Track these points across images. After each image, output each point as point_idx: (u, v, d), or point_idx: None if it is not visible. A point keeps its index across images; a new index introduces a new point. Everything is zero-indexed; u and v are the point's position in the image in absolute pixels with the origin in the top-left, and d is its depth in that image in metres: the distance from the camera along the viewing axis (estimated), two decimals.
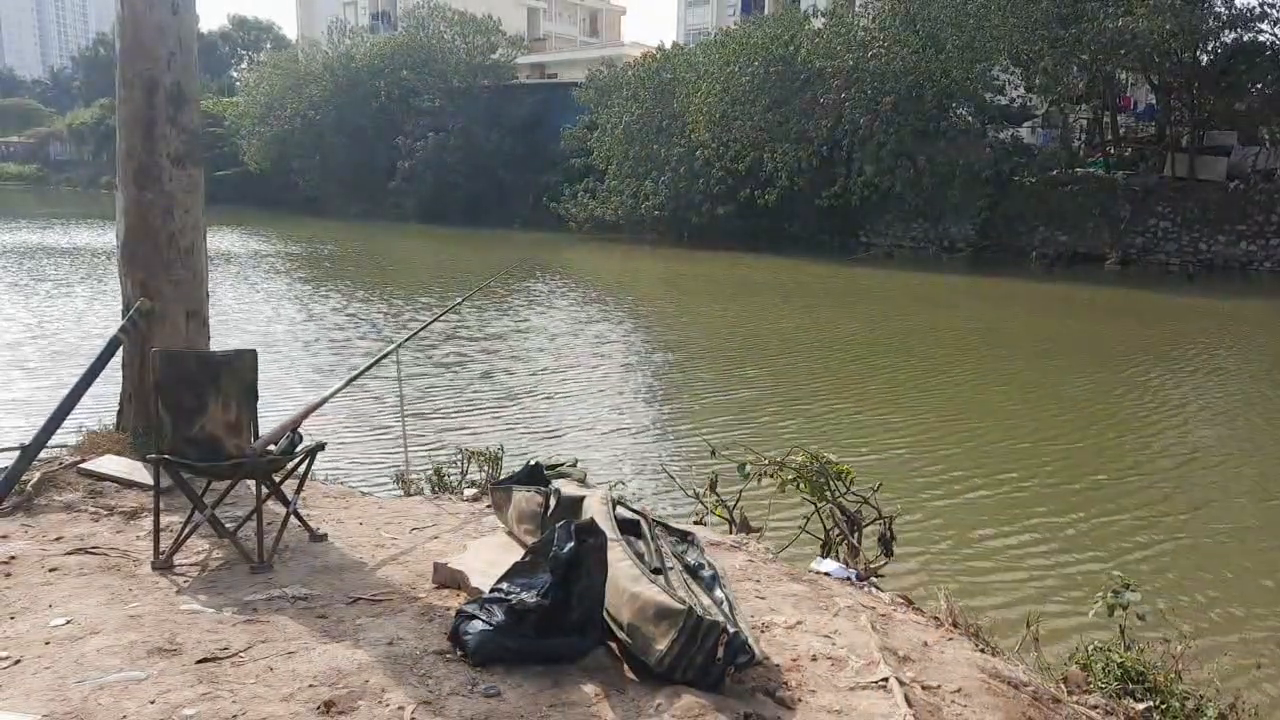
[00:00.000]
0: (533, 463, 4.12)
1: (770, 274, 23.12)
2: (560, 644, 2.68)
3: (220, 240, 26.41)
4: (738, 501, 4.58)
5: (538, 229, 33.48)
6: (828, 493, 4.37)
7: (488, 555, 3.40)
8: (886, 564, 4.26)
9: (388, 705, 2.44)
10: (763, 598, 3.39)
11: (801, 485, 4.41)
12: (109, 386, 4.80)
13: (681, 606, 2.58)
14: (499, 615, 2.68)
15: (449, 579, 3.32)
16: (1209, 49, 26.59)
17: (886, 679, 2.73)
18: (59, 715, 2.35)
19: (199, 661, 2.65)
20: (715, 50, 30.13)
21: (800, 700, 2.62)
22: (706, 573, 3.08)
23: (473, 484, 4.98)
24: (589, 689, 2.56)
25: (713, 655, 2.55)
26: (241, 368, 3.56)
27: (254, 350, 3.68)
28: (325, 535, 3.82)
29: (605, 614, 2.75)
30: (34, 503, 4.01)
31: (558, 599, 2.65)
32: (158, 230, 4.55)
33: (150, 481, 3.73)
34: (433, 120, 37.93)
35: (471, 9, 42.19)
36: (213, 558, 3.54)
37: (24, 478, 4.09)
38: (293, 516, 3.66)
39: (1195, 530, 6.78)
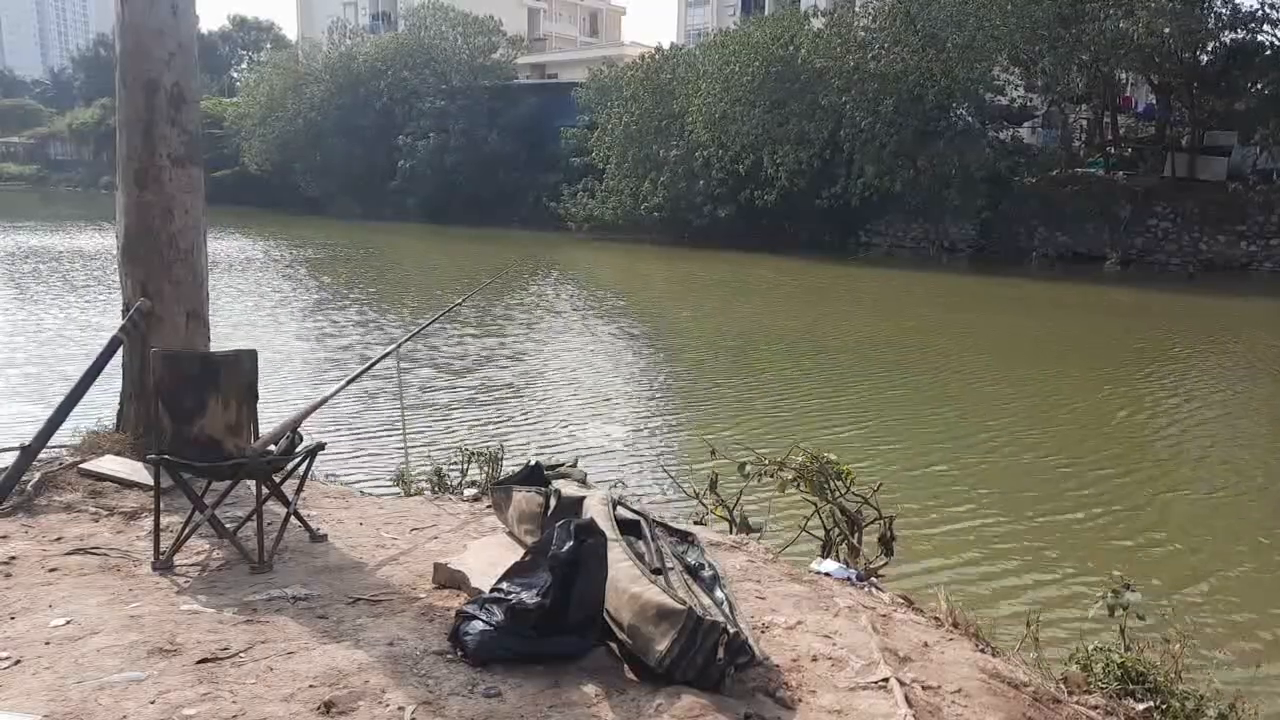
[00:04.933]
0: (533, 463, 4.12)
1: (770, 274, 23.12)
2: (560, 644, 2.68)
3: (227, 243, 26.37)
4: (738, 501, 4.58)
5: (538, 229, 33.48)
6: (828, 493, 4.36)
7: (488, 555, 3.40)
8: (887, 564, 4.25)
9: (388, 705, 2.44)
10: (763, 598, 3.38)
11: (802, 485, 4.41)
12: (109, 386, 4.80)
13: (682, 607, 2.58)
14: (499, 615, 2.68)
15: (449, 579, 3.32)
16: (1209, 49, 26.59)
17: (887, 679, 2.73)
18: (59, 715, 2.35)
19: (199, 662, 2.65)
20: (715, 50, 30.07)
21: (800, 700, 2.62)
22: (707, 573, 3.08)
23: (473, 484, 4.98)
24: (589, 689, 2.55)
25: (713, 655, 2.55)
26: (241, 368, 3.56)
27: (254, 350, 3.68)
28: (325, 535, 3.82)
29: (605, 614, 2.75)
30: (34, 503, 4.01)
31: (558, 599, 2.65)
32: (158, 231, 4.54)
33: (150, 482, 3.73)
34: (433, 120, 37.91)
35: (472, 9, 42.14)
36: (213, 558, 3.54)
37: (24, 478, 4.09)
38: (293, 517, 3.66)
39: (1196, 530, 6.78)
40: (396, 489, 5.33)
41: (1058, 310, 18.39)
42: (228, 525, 3.61)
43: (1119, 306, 19.30)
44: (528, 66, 47.85)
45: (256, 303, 16.19)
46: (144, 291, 4.55)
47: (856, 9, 28.95)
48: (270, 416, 4.00)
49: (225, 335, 11.66)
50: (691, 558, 3.19)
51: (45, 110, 73.27)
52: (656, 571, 2.93)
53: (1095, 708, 2.99)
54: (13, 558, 3.44)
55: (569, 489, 3.61)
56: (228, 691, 2.48)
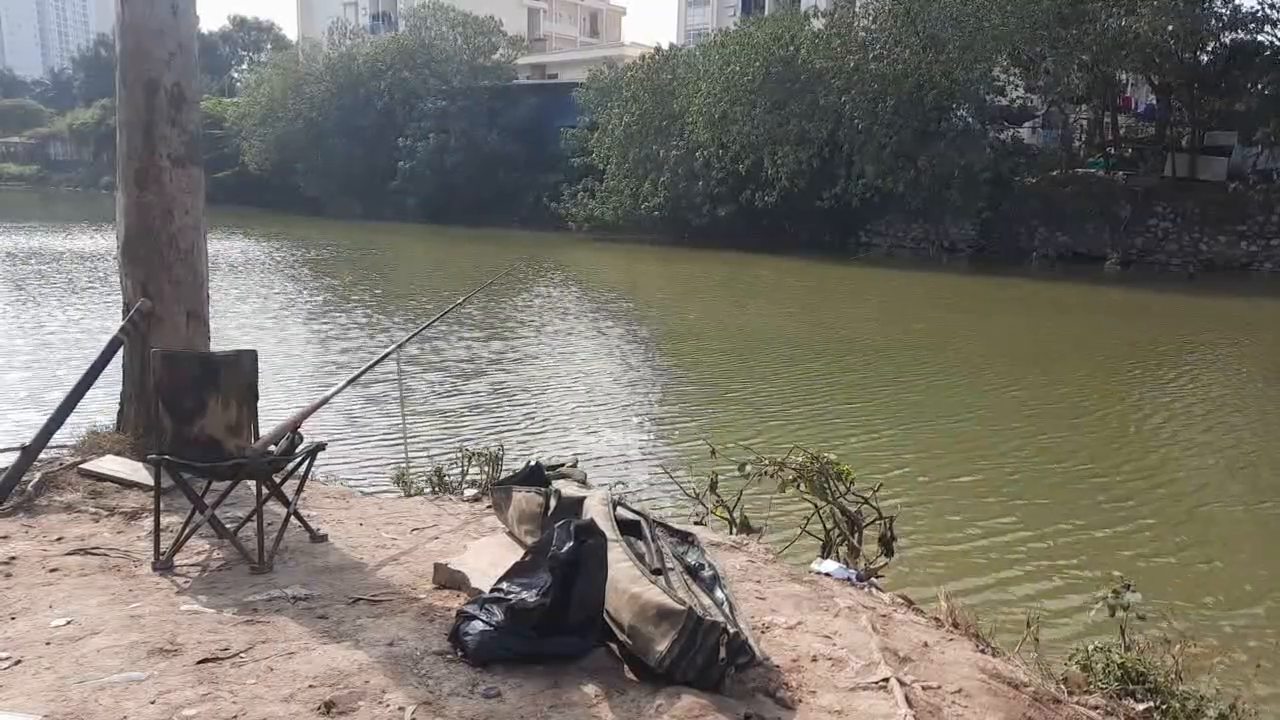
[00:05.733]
0: (533, 463, 4.12)
1: (773, 275, 23.12)
2: (561, 644, 2.68)
3: (231, 244, 26.32)
4: (738, 502, 4.58)
5: (538, 229, 33.48)
6: (828, 493, 4.36)
7: (488, 556, 3.40)
8: (887, 564, 4.25)
9: (388, 706, 2.44)
10: (763, 598, 3.39)
11: (802, 485, 4.41)
12: (109, 387, 4.80)
13: (682, 607, 2.58)
14: (499, 615, 2.68)
15: (449, 580, 3.32)
16: (1209, 49, 26.60)
17: (887, 679, 2.73)
18: (59, 715, 2.35)
19: (199, 662, 2.65)
20: (715, 51, 30.07)
21: (801, 701, 2.62)
22: (707, 573, 3.07)
23: (473, 484, 4.98)
24: (589, 689, 2.55)
25: (713, 656, 2.55)
26: (241, 368, 3.56)
27: (254, 350, 3.68)
28: (325, 536, 3.82)
29: (606, 615, 2.75)
30: (34, 503, 4.01)
31: (558, 599, 2.65)
32: (158, 231, 4.54)
33: (151, 482, 3.73)
34: (434, 121, 37.93)
35: (472, 9, 42.15)
36: (213, 558, 3.54)
37: (25, 478, 4.09)
38: (293, 517, 3.66)
39: (1196, 530, 6.78)
40: (397, 489, 5.33)
41: (1058, 311, 18.37)
42: (228, 525, 3.61)
43: (1126, 308, 19.25)
44: (528, 67, 47.86)
45: (262, 305, 16.17)
46: (144, 292, 4.55)
47: (857, 9, 28.93)
48: (274, 418, 3.99)
49: (231, 338, 11.66)
50: (691, 558, 3.19)
51: (45, 110, 73.26)
52: (657, 572, 2.93)
53: (1095, 708, 2.99)
54: (13, 558, 3.44)
55: (569, 489, 3.61)
56: (228, 692, 2.48)
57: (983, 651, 3.20)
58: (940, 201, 27.11)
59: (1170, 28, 23.52)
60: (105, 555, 3.52)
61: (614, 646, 2.77)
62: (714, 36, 33.28)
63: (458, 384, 10.60)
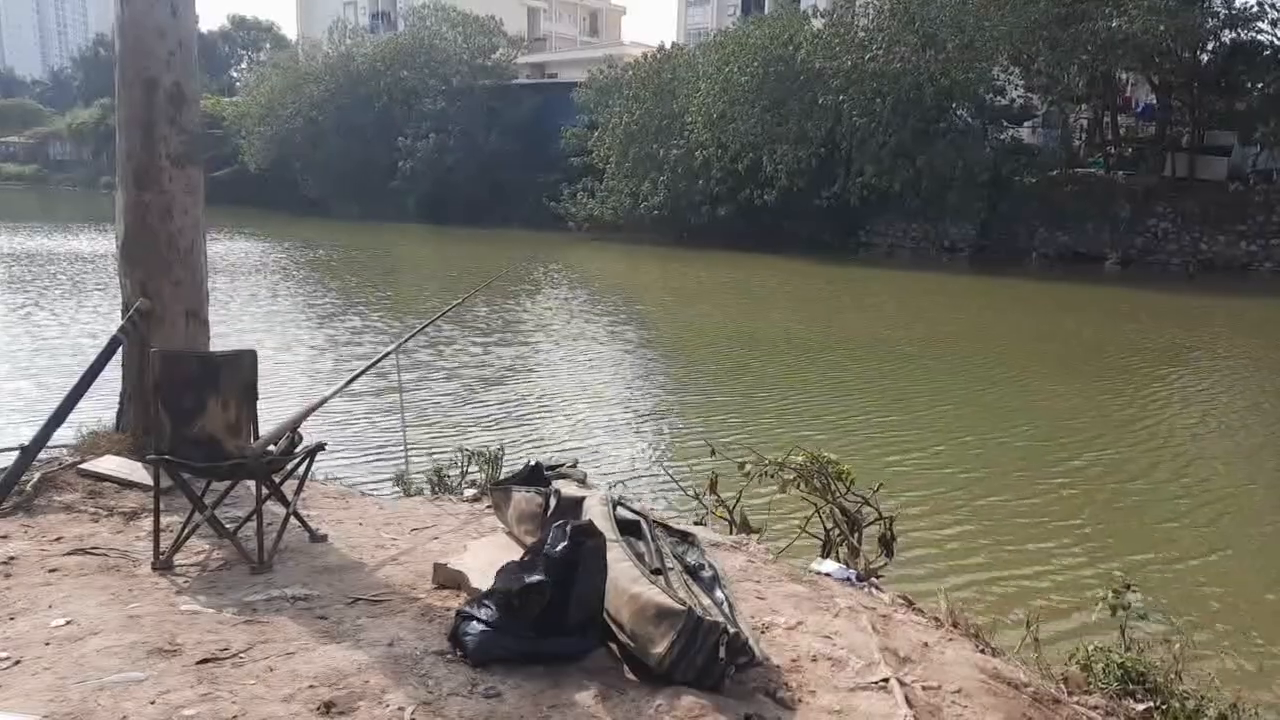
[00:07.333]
0: (533, 463, 4.12)
1: (770, 274, 23.09)
2: (560, 644, 2.68)
3: (234, 244, 26.25)
4: (738, 502, 4.58)
5: (538, 228, 33.45)
6: (828, 493, 4.36)
7: (488, 556, 3.40)
8: (887, 565, 4.25)
9: (388, 706, 2.44)
10: (763, 598, 3.38)
11: (802, 486, 4.41)
12: (109, 386, 4.80)
13: (681, 607, 2.58)
14: (495, 611, 2.68)
15: (449, 579, 3.32)
16: (1208, 49, 26.57)
17: (887, 679, 2.73)
18: (59, 716, 2.35)
19: (199, 662, 2.65)
20: (714, 50, 30.08)
21: (801, 701, 2.62)
22: (707, 573, 3.07)
23: (473, 484, 4.98)
24: (589, 690, 2.55)
25: (713, 656, 2.55)
26: (241, 368, 3.56)
27: (253, 350, 3.68)
28: (325, 536, 3.82)
29: (605, 615, 2.74)
30: (34, 503, 4.01)
31: (555, 598, 2.64)
32: (157, 231, 4.54)
33: (150, 482, 3.73)
34: (433, 121, 37.91)
35: (472, 9, 42.13)
36: (213, 558, 3.54)
37: (24, 478, 4.08)
38: (292, 517, 3.66)
39: (1196, 530, 6.77)
40: (396, 489, 5.33)
41: (1058, 311, 18.32)
42: (228, 525, 3.60)
43: (1120, 307, 19.18)
44: (528, 66, 47.82)
45: (270, 307, 16.11)
46: (144, 291, 4.55)
47: (856, 9, 28.91)
48: (279, 419, 3.98)
49: (238, 341, 11.58)
50: (691, 558, 3.19)
51: (45, 110, 73.18)
52: (656, 572, 2.92)
53: (1095, 708, 2.99)
54: (13, 558, 3.44)
55: (569, 489, 3.61)
56: (228, 692, 2.48)
57: (983, 651, 3.20)
58: (940, 201, 27.08)
59: (1162, 28, 23.46)
60: (105, 555, 3.51)
61: (614, 646, 2.77)
62: (714, 36, 33.25)
63: (458, 384, 10.59)
